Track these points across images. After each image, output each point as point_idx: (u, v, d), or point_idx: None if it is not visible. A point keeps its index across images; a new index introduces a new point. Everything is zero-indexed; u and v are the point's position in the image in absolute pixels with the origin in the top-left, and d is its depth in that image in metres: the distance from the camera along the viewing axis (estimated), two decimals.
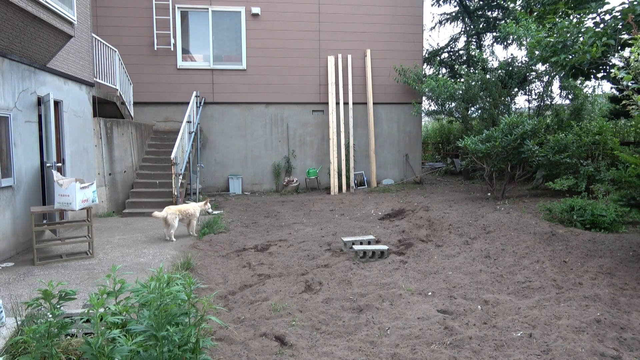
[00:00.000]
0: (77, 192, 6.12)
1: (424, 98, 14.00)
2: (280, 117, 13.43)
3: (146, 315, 2.71)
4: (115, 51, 10.84)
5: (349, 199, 11.53)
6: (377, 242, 7.05)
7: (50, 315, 2.81)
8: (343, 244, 6.83)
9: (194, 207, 7.82)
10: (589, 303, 4.25)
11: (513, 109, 13.06)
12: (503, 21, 17.44)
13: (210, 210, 8.52)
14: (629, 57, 5.22)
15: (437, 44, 29.62)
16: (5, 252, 6.31)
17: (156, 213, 7.39)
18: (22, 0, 5.81)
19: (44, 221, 6.98)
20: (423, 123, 19.40)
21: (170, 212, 7.40)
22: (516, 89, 12.75)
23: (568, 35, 7.64)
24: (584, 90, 13.08)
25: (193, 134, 11.49)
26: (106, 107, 10.67)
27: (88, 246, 6.50)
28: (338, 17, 13.34)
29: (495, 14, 19.73)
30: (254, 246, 7.08)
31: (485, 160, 9.52)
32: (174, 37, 12.65)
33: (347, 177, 13.27)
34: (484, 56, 14.24)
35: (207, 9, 12.83)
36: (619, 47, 6.81)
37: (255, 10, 12.87)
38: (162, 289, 2.74)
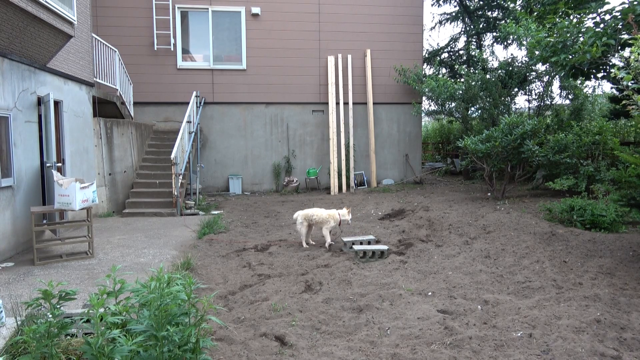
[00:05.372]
0: (77, 192, 6.12)
1: (424, 98, 14.00)
2: (280, 117, 13.43)
3: (146, 315, 2.71)
4: (115, 51, 10.84)
5: (349, 199, 11.53)
6: (377, 242, 7.05)
7: (50, 315, 2.81)
8: (343, 244, 6.83)
9: (324, 214, 6.88)
10: (589, 303, 4.25)
11: (513, 109, 13.07)
12: (503, 21, 17.45)
13: (349, 222, 7.12)
14: (629, 57, 5.22)
15: (437, 44, 29.63)
16: (5, 252, 6.31)
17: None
18: (22, 0, 5.81)
19: (44, 221, 6.98)
20: (423, 123, 19.40)
21: (299, 216, 6.96)
22: (516, 89, 12.76)
23: (568, 35, 7.63)
24: (584, 90, 13.09)
25: (193, 134, 11.49)
26: (106, 107, 10.67)
27: (88, 246, 6.50)
28: (338, 17, 13.34)
29: (495, 14, 19.73)
30: (254, 246, 7.08)
31: (485, 160, 9.52)
32: (174, 37, 12.65)
33: (347, 177, 13.27)
34: (484, 56, 14.26)
35: (207, 9, 12.83)
36: (619, 47, 6.80)
37: (255, 10, 12.87)
38: (162, 289, 2.74)
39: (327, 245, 6.89)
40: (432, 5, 25.79)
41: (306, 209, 7.11)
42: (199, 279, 5.37)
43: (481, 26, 19.55)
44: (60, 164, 7.91)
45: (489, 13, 19.94)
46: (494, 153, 9.19)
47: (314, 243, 7.15)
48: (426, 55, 20.38)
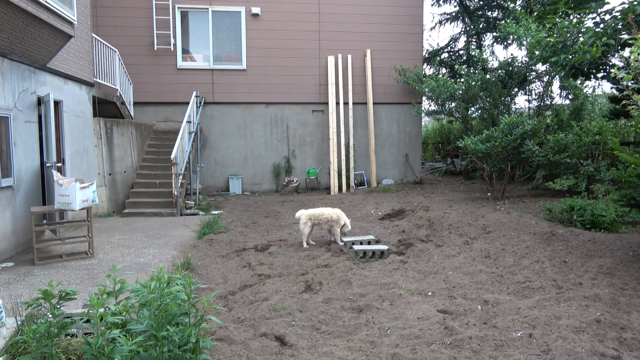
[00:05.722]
0: (77, 192, 6.12)
1: (424, 98, 14.00)
2: (280, 117, 13.43)
3: (146, 315, 2.71)
4: (115, 51, 10.84)
5: (349, 199, 11.53)
6: (377, 242, 7.05)
7: (50, 315, 2.81)
8: (343, 244, 6.83)
9: (334, 213, 6.91)
10: (589, 303, 4.25)
11: (513, 109, 13.06)
12: (503, 21, 17.45)
13: (346, 233, 7.18)
14: (629, 57, 5.23)
15: (437, 44, 29.64)
16: (5, 252, 6.31)
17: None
18: (22, 0, 5.81)
19: (44, 221, 6.98)
20: (423, 123, 19.40)
21: (303, 215, 6.91)
22: (516, 89, 12.76)
23: (568, 35, 7.64)
24: (584, 90, 13.09)
25: (193, 134, 11.49)
26: (106, 107, 10.67)
27: (88, 246, 6.50)
28: (338, 17, 13.34)
29: (495, 14, 19.73)
30: (254, 246, 7.08)
31: (485, 160, 9.52)
32: (174, 37, 12.65)
33: (347, 177, 13.27)
34: (484, 56, 14.26)
35: (207, 9, 12.83)
36: (619, 47, 6.81)
37: (255, 10, 12.87)
38: (162, 289, 2.74)
39: (340, 243, 6.91)
40: (432, 5, 25.80)
41: (310, 209, 7.11)
42: (199, 279, 5.37)
43: (481, 26, 19.56)
44: (60, 164, 7.91)
45: (489, 13, 19.94)
46: (494, 153, 9.19)
47: (313, 243, 7.15)
48: (426, 55, 20.38)
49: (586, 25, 7.60)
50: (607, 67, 7.78)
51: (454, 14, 21.35)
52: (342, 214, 7.04)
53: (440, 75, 14.61)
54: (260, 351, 3.64)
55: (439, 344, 3.63)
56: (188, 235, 7.75)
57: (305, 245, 6.97)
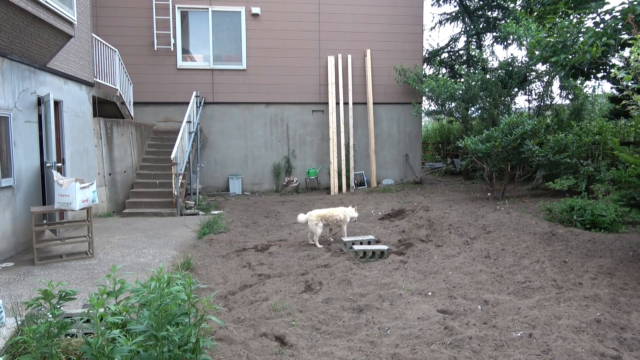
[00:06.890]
0: (77, 192, 6.12)
1: (424, 98, 14.00)
2: (280, 117, 13.44)
3: (146, 315, 2.71)
4: (115, 51, 10.84)
5: (349, 199, 11.53)
6: (377, 242, 7.05)
7: (50, 315, 2.81)
8: (343, 244, 6.84)
9: (340, 212, 7.10)
10: (589, 303, 4.25)
11: (513, 109, 13.06)
12: (503, 21, 17.45)
13: (355, 219, 7.41)
14: (629, 57, 5.23)
15: (437, 44, 29.63)
16: (5, 252, 6.31)
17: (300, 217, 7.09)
18: (22, 0, 5.81)
19: (44, 221, 6.98)
20: (423, 123, 19.40)
21: (311, 217, 7.00)
22: (516, 89, 12.76)
23: (568, 35, 7.64)
24: (584, 90, 13.08)
25: (193, 134, 11.49)
26: (106, 107, 10.67)
27: (88, 246, 6.50)
28: (338, 17, 13.34)
29: (495, 14, 19.73)
30: (254, 246, 7.08)
31: (485, 160, 9.52)
32: (174, 37, 12.65)
33: (347, 177, 13.27)
34: (484, 56, 14.27)
35: (207, 9, 12.83)
36: (619, 47, 6.81)
37: (255, 10, 12.87)
38: (162, 289, 2.74)
39: (345, 241, 6.91)
40: (432, 5, 25.80)
41: (317, 210, 7.19)
42: (199, 279, 5.37)
43: (481, 26, 19.56)
44: (60, 164, 7.91)
45: (489, 13, 19.94)
46: (494, 153, 9.19)
47: (312, 243, 7.15)
48: (426, 55, 20.38)
49: (586, 25, 7.60)
50: (607, 67, 7.78)
51: (454, 14, 21.35)
52: (346, 210, 7.17)
53: (440, 75, 14.60)
54: (260, 351, 3.64)
55: (439, 344, 3.63)
56: (188, 235, 7.75)
57: (318, 245, 6.99)
